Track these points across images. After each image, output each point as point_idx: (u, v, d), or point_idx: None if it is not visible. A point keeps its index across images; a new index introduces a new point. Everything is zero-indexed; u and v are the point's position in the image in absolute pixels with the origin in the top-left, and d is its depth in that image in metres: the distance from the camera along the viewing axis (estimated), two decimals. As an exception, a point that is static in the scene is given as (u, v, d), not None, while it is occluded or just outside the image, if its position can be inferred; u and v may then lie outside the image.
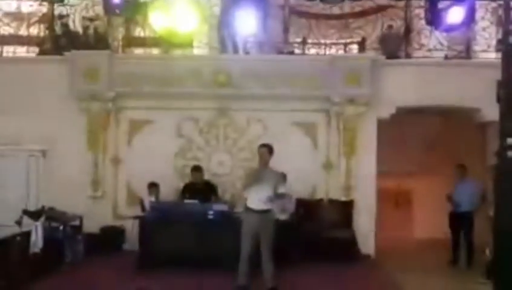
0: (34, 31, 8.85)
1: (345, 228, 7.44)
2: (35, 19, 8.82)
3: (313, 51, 9.04)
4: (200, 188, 7.20)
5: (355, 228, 7.53)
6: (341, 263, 6.71)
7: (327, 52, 8.90)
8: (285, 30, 8.37)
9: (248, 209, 5.53)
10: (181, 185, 7.52)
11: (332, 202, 7.79)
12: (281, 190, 5.56)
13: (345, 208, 7.69)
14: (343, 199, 7.74)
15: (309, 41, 8.83)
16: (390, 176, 9.69)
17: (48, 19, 8.50)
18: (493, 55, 7.85)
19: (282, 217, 6.28)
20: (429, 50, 8.25)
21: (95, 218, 7.52)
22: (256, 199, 5.45)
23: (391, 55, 7.99)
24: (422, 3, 8.16)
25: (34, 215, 6.34)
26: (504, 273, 4.33)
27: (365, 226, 7.65)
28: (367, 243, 7.58)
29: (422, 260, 7.93)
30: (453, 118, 8.90)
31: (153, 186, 7.32)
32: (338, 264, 6.65)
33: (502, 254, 4.40)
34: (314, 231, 7.23)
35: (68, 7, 8.55)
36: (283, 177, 5.86)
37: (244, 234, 5.49)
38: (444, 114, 8.88)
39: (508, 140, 4.46)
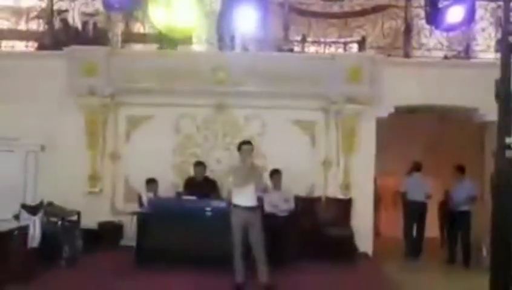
0: (33, 25, 8.82)
1: (343, 226, 7.43)
2: (34, 13, 8.79)
3: (312, 49, 9.04)
4: (200, 183, 7.22)
5: (353, 226, 7.54)
6: (339, 261, 6.70)
7: (327, 51, 8.90)
8: (285, 28, 8.35)
9: (235, 206, 5.59)
10: (179, 181, 7.54)
11: (330, 200, 7.79)
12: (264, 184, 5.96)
13: (344, 206, 7.69)
14: (341, 197, 7.75)
15: (309, 39, 8.83)
16: (388, 176, 9.70)
17: (47, 14, 8.47)
18: (492, 56, 7.85)
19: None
20: (429, 50, 8.26)
21: (93, 213, 7.51)
22: (244, 196, 5.54)
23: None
24: (422, 3, 8.16)
25: (33, 210, 6.31)
26: (500, 271, 4.35)
27: (363, 225, 7.65)
28: (364, 241, 7.59)
29: (419, 259, 7.94)
30: (452, 118, 8.91)
31: (151, 182, 7.32)
32: (336, 262, 6.64)
33: (498, 252, 4.42)
34: (312, 228, 7.24)
35: (67, 2, 8.53)
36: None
37: (234, 228, 5.54)
38: (443, 114, 8.89)
39: (506, 139, 4.46)
